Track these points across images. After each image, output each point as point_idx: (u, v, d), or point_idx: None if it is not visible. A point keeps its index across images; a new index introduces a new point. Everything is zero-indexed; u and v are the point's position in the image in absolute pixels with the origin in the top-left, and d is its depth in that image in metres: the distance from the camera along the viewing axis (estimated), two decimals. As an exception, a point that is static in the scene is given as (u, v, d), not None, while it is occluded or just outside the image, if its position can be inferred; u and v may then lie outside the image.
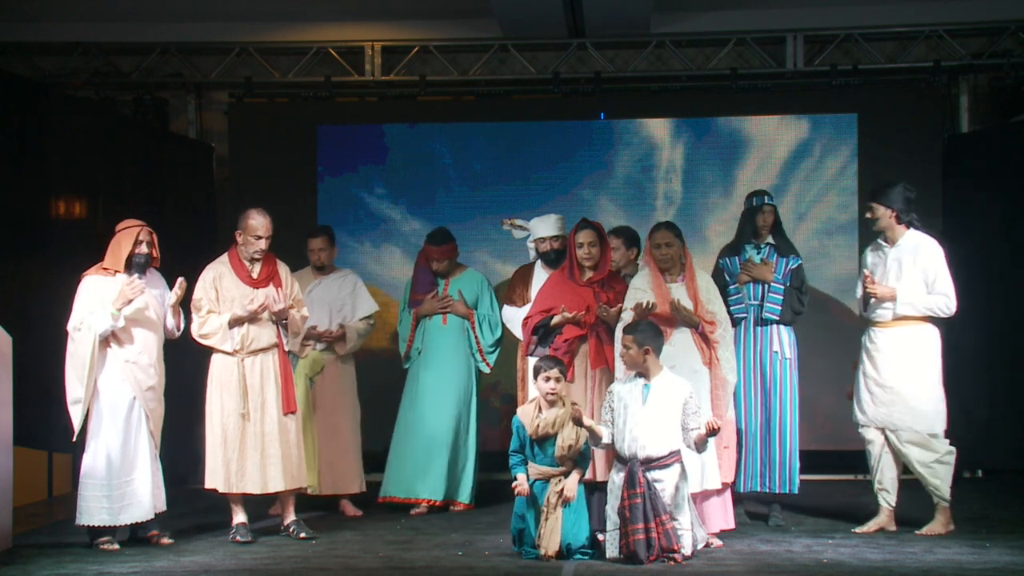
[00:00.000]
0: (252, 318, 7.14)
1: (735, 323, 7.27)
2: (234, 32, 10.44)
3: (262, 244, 7.24)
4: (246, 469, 7.08)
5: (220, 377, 7.17)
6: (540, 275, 8.00)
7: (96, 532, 6.92)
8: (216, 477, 7.10)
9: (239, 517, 7.17)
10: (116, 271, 6.98)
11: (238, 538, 7.06)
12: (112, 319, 6.83)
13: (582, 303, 7.24)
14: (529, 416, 6.51)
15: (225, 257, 7.33)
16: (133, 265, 7.00)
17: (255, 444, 7.10)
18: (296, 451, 7.24)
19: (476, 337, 8.28)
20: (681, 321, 6.90)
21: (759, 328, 7.47)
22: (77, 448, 7.16)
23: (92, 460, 6.90)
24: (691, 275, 7.02)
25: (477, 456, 8.38)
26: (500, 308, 8.26)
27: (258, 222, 7.24)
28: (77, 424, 6.89)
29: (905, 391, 7.10)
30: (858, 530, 7.19)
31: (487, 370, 8.34)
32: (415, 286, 8.42)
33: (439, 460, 8.20)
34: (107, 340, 6.89)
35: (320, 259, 8.28)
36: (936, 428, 7.13)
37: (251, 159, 10.31)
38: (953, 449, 7.15)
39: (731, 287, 7.46)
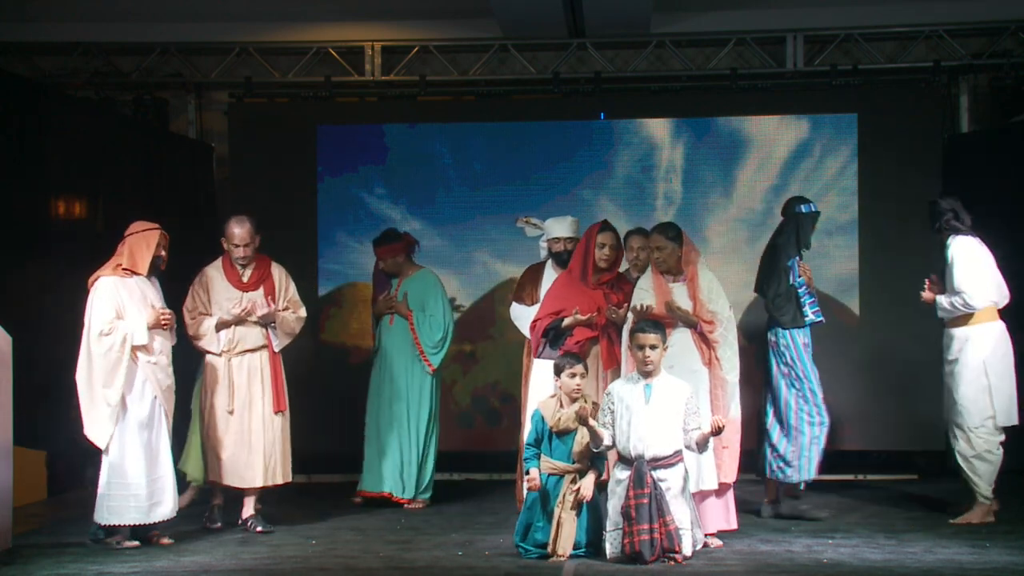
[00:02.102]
0: (237, 322, 7.40)
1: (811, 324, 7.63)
2: (234, 32, 10.44)
3: (241, 252, 7.49)
4: (228, 464, 7.39)
5: (210, 376, 7.49)
6: (551, 275, 8.06)
7: (109, 531, 6.93)
8: (209, 469, 7.51)
9: (216, 499, 7.57)
10: (135, 272, 7.02)
11: (207, 524, 7.48)
12: (147, 337, 6.92)
13: (593, 305, 7.28)
14: (551, 410, 6.55)
15: (219, 261, 7.61)
16: (154, 268, 7.11)
17: (241, 441, 7.40)
18: (280, 448, 7.49)
19: (415, 337, 8.35)
20: (679, 321, 6.91)
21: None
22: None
23: (120, 459, 6.87)
24: (693, 274, 7.02)
25: (434, 453, 8.46)
26: (509, 306, 8.30)
27: (235, 231, 7.49)
28: (108, 431, 6.83)
29: (952, 385, 7.49)
30: (954, 521, 7.46)
31: (430, 371, 8.38)
32: (375, 287, 8.66)
33: (384, 455, 8.33)
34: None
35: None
36: (975, 422, 7.42)
37: (251, 159, 10.30)
38: (999, 451, 7.44)
39: (803, 289, 7.67)
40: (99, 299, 6.93)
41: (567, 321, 7.31)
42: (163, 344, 7.06)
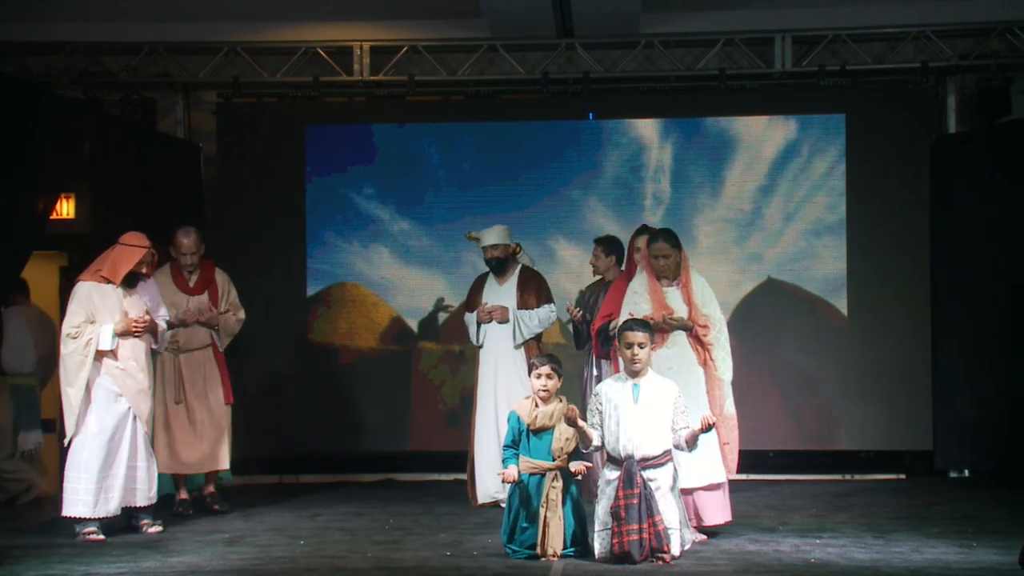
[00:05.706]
0: (183, 324, 7.97)
1: None
2: (222, 32, 10.41)
3: (187, 260, 8.07)
4: (173, 452, 7.97)
5: (159, 372, 7.98)
6: (492, 283, 8.42)
7: (81, 522, 7.10)
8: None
9: (181, 494, 8.07)
10: (111, 281, 7.27)
11: (179, 509, 8.00)
12: (112, 343, 7.18)
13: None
14: (526, 410, 6.58)
15: (167, 267, 8.10)
16: (129, 280, 7.33)
17: (187, 431, 7.94)
18: (225, 436, 8.12)
19: None
20: (675, 328, 6.99)
21: None
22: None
23: (76, 454, 7.15)
24: (687, 280, 7.13)
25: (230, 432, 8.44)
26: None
27: (183, 241, 8.07)
28: (71, 429, 7.13)
29: None
30: None
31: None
32: None
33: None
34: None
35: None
36: None
37: (239, 159, 10.28)
38: None
39: None
40: (73, 303, 7.24)
41: (612, 324, 7.43)
42: (133, 350, 7.28)
